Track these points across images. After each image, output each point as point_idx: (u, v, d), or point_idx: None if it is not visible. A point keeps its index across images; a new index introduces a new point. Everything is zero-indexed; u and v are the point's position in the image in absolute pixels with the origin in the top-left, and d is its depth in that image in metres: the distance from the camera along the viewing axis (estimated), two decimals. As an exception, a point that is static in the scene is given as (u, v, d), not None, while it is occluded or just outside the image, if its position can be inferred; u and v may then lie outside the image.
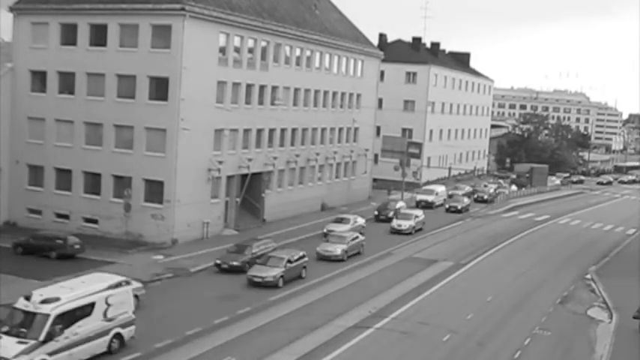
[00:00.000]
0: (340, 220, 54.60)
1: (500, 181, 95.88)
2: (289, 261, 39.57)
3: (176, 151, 46.73)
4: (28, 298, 26.27)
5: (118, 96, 48.09)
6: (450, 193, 76.65)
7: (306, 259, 41.33)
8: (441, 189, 76.31)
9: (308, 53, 61.09)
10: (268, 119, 55.27)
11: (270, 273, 38.39)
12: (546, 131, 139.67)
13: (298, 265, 40.45)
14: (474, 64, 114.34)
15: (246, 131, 53.56)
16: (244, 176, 53.52)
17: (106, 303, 27.50)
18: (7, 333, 25.42)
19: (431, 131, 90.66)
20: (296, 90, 59.60)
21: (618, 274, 46.55)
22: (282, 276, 38.67)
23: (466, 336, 32.71)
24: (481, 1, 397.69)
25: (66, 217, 49.39)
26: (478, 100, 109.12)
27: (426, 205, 69.97)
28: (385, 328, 33.01)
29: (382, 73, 78.73)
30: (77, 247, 42.67)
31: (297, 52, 59.52)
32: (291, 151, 59.58)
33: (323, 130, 64.67)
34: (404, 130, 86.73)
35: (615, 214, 78.02)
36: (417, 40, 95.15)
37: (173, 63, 46.27)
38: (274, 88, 56.40)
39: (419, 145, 78.75)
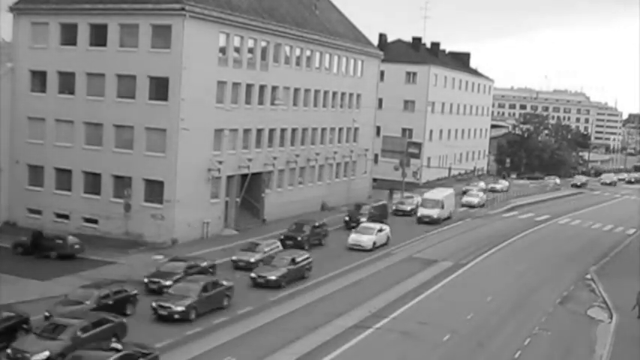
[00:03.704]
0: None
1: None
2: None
3: (176, 151, 46.72)
4: None
5: (118, 96, 48.09)
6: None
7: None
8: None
9: (308, 53, 61.08)
10: (268, 119, 55.28)
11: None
12: (546, 131, 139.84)
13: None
14: (473, 64, 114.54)
15: (246, 131, 53.55)
16: (244, 176, 53.51)
17: None
18: None
19: (431, 131, 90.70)
20: (296, 90, 59.58)
21: (618, 274, 46.57)
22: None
23: (466, 336, 32.73)
24: (481, 2, 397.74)
25: (66, 217, 49.39)
26: (478, 100, 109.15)
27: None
28: (385, 328, 33.01)
29: (382, 73, 78.67)
30: (77, 247, 42.64)
31: (297, 52, 59.51)
32: (291, 151, 59.57)
33: (323, 130, 64.65)
34: (404, 130, 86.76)
35: (615, 214, 78.00)
36: (417, 40, 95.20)
37: (173, 63, 46.26)
38: (274, 88, 56.39)
39: (419, 145, 78.81)
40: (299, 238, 47.88)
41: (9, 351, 26.09)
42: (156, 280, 36.31)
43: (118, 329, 28.53)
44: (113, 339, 27.77)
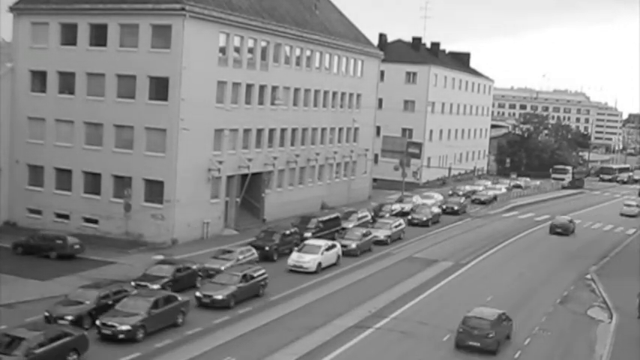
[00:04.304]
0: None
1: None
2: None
3: (176, 151, 46.72)
4: None
5: (118, 96, 48.08)
6: None
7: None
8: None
9: (308, 53, 61.08)
10: (268, 119, 55.27)
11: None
12: (546, 131, 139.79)
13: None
14: (473, 64, 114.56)
15: (246, 131, 53.54)
16: (244, 176, 53.50)
17: None
18: None
19: (431, 131, 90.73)
20: (296, 90, 59.58)
21: (618, 274, 46.59)
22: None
23: (466, 336, 32.66)
24: (481, 1, 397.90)
25: (66, 217, 49.38)
26: (478, 100, 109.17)
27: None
28: (385, 328, 33.02)
29: (382, 73, 78.70)
30: (77, 247, 42.62)
31: (297, 52, 59.51)
32: (291, 151, 59.56)
33: (323, 130, 64.66)
34: (404, 130, 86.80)
35: (615, 214, 77.94)
36: (417, 40, 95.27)
37: (173, 63, 46.26)
38: (274, 88, 56.38)
39: (419, 145, 78.85)
40: (267, 248, 44.01)
41: None
42: (143, 283, 34.90)
43: (77, 344, 26.65)
44: (73, 355, 26.51)
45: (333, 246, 44.82)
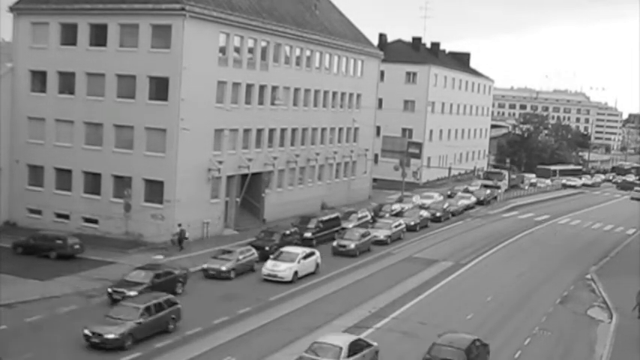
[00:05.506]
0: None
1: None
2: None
3: (176, 151, 46.71)
4: None
5: (118, 96, 48.07)
6: None
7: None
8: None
9: (308, 53, 61.07)
10: (268, 119, 55.26)
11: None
12: (546, 131, 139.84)
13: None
14: (473, 63, 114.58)
15: (246, 131, 53.54)
16: (244, 176, 53.49)
17: None
18: None
19: (431, 131, 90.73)
20: (296, 90, 59.58)
21: (618, 274, 46.60)
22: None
23: (466, 336, 32.68)
24: (480, 3, 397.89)
25: (66, 217, 49.36)
26: (478, 100, 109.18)
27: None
28: (385, 328, 33.02)
29: (382, 73, 78.69)
30: (77, 247, 42.61)
31: (297, 52, 59.51)
32: (291, 151, 59.55)
33: (323, 130, 64.64)
34: (404, 130, 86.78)
35: (615, 214, 78.04)
36: (417, 40, 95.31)
37: (173, 63, 46.25)
38: (274, 88, 56.38)
39: (419, 145, 78.85)
40: (267, 248, 43.78)
41: None
42: (120, 290, 33.79)
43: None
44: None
45: (312, 253, 42.44)
